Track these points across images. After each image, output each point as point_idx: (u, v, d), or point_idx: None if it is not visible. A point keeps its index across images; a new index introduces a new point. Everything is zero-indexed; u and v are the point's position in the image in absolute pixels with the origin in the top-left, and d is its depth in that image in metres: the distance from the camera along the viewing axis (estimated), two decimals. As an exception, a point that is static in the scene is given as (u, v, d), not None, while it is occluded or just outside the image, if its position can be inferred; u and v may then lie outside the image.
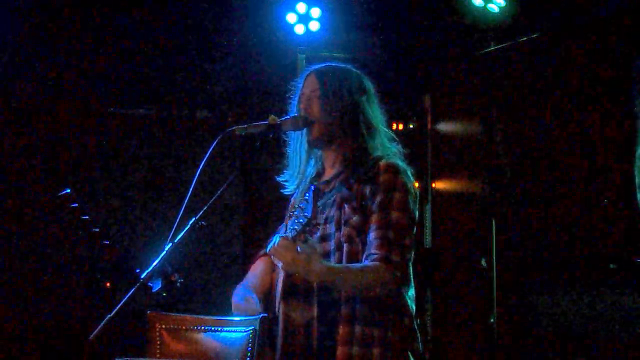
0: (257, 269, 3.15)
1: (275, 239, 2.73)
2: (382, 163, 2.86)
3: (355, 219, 2.84)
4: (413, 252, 2.88)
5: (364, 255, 2.81)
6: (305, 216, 2.63)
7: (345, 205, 2.87)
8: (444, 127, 6.12)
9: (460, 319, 5.78)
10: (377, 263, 2.75)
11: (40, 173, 5.33)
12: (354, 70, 3.07)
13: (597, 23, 5.02)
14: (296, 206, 2.72)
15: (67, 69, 5.44)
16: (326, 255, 2.85)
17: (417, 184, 5.84)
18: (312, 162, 3.09)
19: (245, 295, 3.02)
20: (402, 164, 2.91)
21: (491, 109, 5.68)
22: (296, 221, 2.67)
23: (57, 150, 5.40)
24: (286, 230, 2.77)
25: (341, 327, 2.81)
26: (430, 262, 5.96)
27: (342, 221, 2.87)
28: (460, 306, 5.80)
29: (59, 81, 5.43)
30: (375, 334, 2.80)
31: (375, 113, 3.02)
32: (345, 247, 2.84)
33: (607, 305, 4.65)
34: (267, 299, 3.10)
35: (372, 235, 2.80)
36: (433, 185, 6.08)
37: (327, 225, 2.91)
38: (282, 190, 3.13)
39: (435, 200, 6.04)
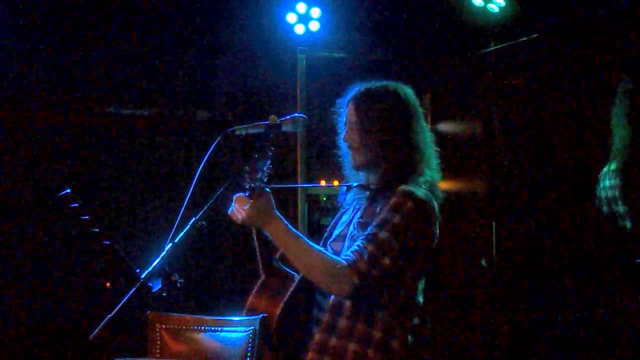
0: None
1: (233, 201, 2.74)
2: (400, 188, 2.81)
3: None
4: (398, 279, 2.80)
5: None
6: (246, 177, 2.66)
7: (356, 223, 2.88)
8: (444, 127, 6.12)
9: (461, 319, 5.78)
10: (341, 260, 2.72)
11: (40, 173, 5.33)
12: (392, 86, 3.00)
13: (597, 23, 5.02)
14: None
15: (67, 68, 5.44)
16: None
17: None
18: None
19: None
20: (419, 192, 2.81)
21: (491, 109, 5.69)
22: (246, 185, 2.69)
23: (57, 150, 5.40)
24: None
25: (317, 334, 2.80)
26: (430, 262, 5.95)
27: (350, 237, 2.88)
28: (460, 306, 5.80)
29: (59, 81, 5.43)
30: (350, 349, 2.76)
31: (419, 132, 2.93)
32: None
33: (607, 305, 4.65)
34: None
35: (355, 243, 2.78)
36: (433, 185, 6.07)
37: (349, 241, 2.90)
38: (344, 185, 3.11)
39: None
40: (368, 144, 2.90)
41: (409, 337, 2.84)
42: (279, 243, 2.79)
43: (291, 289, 2.85)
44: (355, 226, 2.87)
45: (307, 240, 2.81)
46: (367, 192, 2.96)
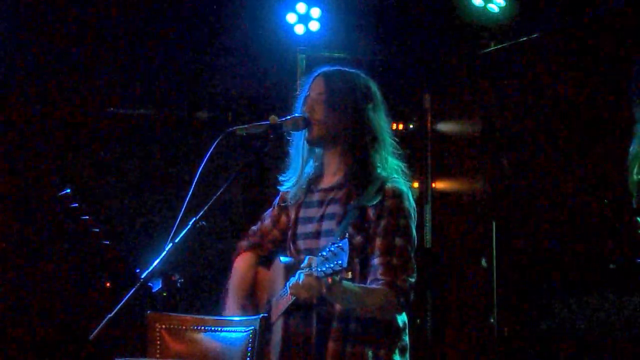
0: (240, 265, 3.17)
1: (299, 276, 2.67)
2: (388, 187, 2.90)
3: (358, 239, 2.86)
4: (415, 277, 2.91)
5: (369, 280, 2.85)
6: (339, 264, 2.53)
7: (353, 228, 2.89)
8: (444, 127, 6.12)
9: (460, 319, 5.78)
10: (384, 287, 2.80)
11: (40, 173, 5.33)
12: (363, 75, 3.08)
13: (597, 23, 5.02)
14: (328, 248, 2.60)
15: (67, 68, 5.44)
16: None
17: (416, 184, 5.93)
18: (312, 161, 3.10)
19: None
20: (404, 187, 2.95)
21: (491, 109, 5.68)
22: (327, 264, 2.58)
23: (57, 150, 5.40)
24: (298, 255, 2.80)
25: (331, 343, 2.83)
26: (430, 262, 5.95)
27: (329, 234, 2.90)
28: (460, 306, 5.80)
29: (59, 81, 5.43)
30: (367, 352, 2.83)
31: (381, 123, 3.02)
32: None
33: (607, 305, 4.65)
34: (251, 297, 3.12)
35: (376, 260, 2.85)
36: (433, 185, 6.07)
37: (326, 238, 2.92)
38: (278, 187, 3.14)
39: (435, 200, 6.04)
40: (330, 118, 2.95)
41: (404, 320, 2.94)
42: (339, 303, 2.83)
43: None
44: (351, 230, 2.88)
45: (352, 285, 2.81)
46: (335, 189, 2.98)
